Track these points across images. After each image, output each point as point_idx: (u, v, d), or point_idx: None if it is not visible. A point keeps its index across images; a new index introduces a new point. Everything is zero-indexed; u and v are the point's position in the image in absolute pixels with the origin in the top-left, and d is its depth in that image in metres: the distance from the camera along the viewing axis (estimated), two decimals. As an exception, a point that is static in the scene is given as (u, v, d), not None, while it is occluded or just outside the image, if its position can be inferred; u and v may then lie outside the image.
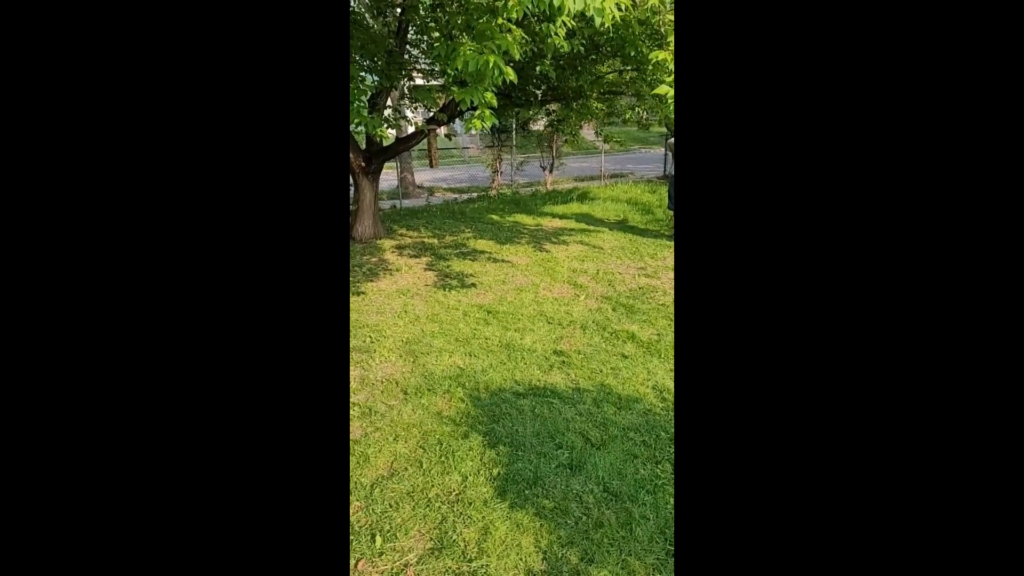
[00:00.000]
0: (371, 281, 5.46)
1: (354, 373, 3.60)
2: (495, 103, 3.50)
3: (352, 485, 2.52)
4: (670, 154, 9.92)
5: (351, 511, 2.36)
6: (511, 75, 3.27)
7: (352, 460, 2.70)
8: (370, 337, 4.14)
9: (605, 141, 8.98)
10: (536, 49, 4.57)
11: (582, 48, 4.95)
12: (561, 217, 8.47)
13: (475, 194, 10.50)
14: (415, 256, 6.37)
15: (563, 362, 3.73)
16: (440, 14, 4.68)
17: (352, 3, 6.13)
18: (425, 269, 5.87)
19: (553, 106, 7.57)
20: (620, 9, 3.11)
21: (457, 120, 6.35)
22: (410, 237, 7.26)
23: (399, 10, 5.93)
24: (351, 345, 4.01)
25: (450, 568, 2.07)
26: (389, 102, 7.25)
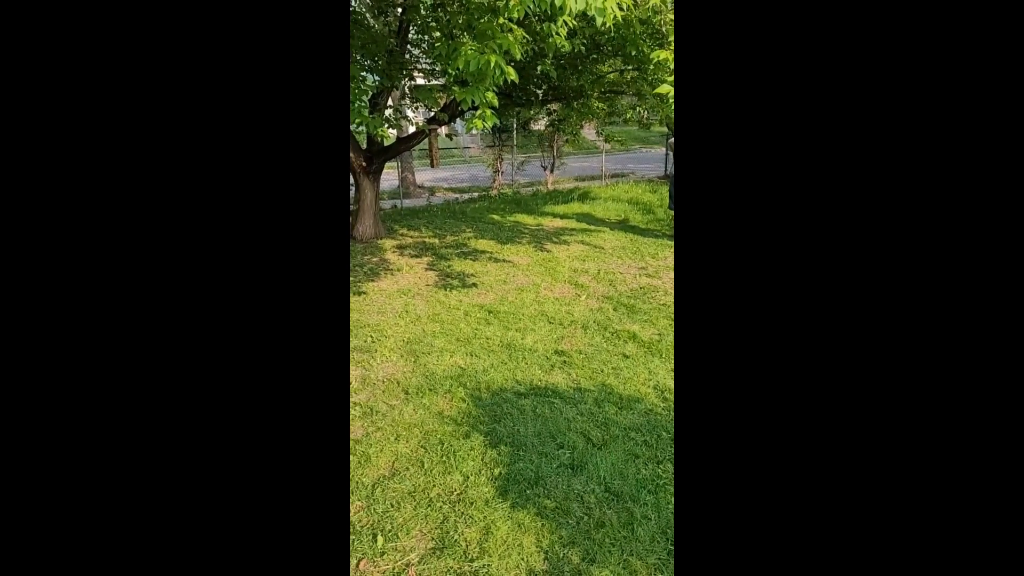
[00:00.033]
0: (372, 281, 5.47)
1: (356, 373, 3.60)
2: (496, 103, 3.50)
3: (354, 485, 2.52)
4: (671, 154, 9.92)
5: (353, 511, 2.36)
6: (512, 75, 3.27)
7: (354, 460, 2.70)
8: (371, 337, 4.14)
9: (606, 141, 8.98)
10: (537, 48, 4.56)
11: (583, 48, 4.95)
12: (562, 217, 8.47)
13: (476, 194, 10.50)
14: (416, 256, 6.37)
15: (564, 362, 3.73)
16: (441, 14, 4.68)
17: (353, 3, 6.14)
18: (426, 269, 5.87)
19: (554, 106, 7.57)
20: (621, 8, 3.11)
21: (458, 120, 6.35)
22: (411, 237, 7.26)
23: (400, 10, 5.93)
24: (352, 345, 4.01)
25: (452, 568, 2.07)
26: (390, 102, 7.25)
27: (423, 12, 5.29)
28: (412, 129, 7.55)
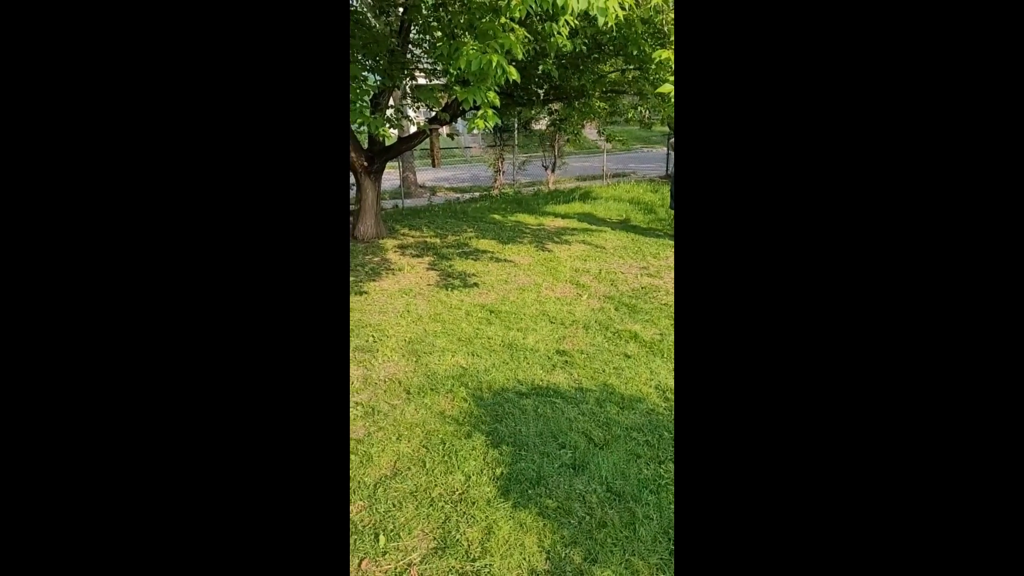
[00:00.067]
0: (374, 281, 5.47)
1: (357, 372, 3.60)
2: (498, 102, 3.50)
3: (356, 484, 2.52)
4: (672, 153, 9.90)
5: (355, 510, 2.36)
6: (514, 74, 3.27)
7: (356, 459, 2.70)
8: (373, 337, 4.14)
9: (607, 140, 8.96)
10: (539, 48, 4.56)
11: (585, 47, 4.94)
12: (563, 217, 8.46)
13: (477, 194, 10.50)
14: (417, 256, 6.37)
15: (566, 362, 3.73)
16: (443, 13, 4.68)
17: (354, 2, 6.14)
18: (427, 269, 5.87)
19: (555, 105, 7.56)
20: (623, 8, 3.11)
21: (459, 119, 6.35)
22: (412, 237, 7.26)
23: (401, 9, 5.93)
24: (354, 345, 4.01)
25: (453, 568, 2.07)
26: (391, 102, 7.25)
27: (424, 12, 5.28)
28: (413, 129, 7.55)
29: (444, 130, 7.87)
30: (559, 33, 3.69)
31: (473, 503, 2.39)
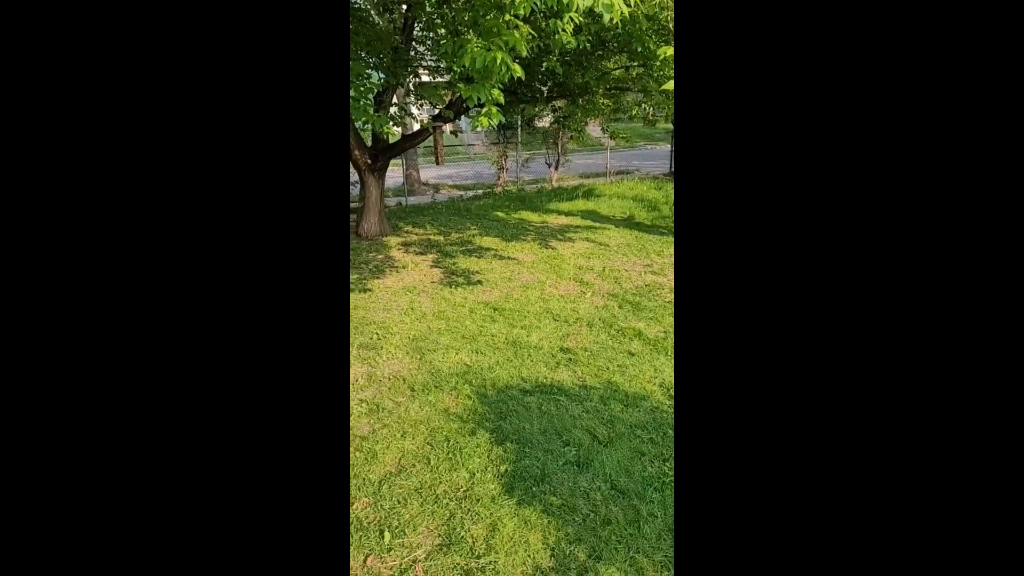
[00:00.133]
0: (377, 278, 5.48)
1: (361, 370, 3.61)
2: (502, 99, 3.50)
3: (360, 481, 2.53)
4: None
5: (360, 507, 2.37)
6: (518, 71, 3.26)
7: (360, 456, 2.71)
8: (377, 334, 4.15)
9: (611, 137, 8.96)
10: (543, 45, 4.55)
11: (589, 44, 4.93)
12: (567, 214, 8.46)
13: (481, 191, 10.50)
14: (421, 253, 6.37)
15: (570, 359, 3.73)
16: (446, 11, 4.68)
17: (358, 0, 6.13)
18: (431, 266, 5.88)
19: (559, 102, 7.55)
20: (628, 5, 3.10)
21: (463, 117, 6.35)
22: (416, 234, 7.26)
23: (405, 7, 5.92)
24: (358, 342, 4.02)
25: (458, 564, 2.08)
26: (395, 99, 7.25)
27: (428, 9, 5.28)
28: (417, 126, 7.55)
29: (448, 127, 7.87)
30: (563, 30, 3.68)
31: (477, 500, 2.40)
